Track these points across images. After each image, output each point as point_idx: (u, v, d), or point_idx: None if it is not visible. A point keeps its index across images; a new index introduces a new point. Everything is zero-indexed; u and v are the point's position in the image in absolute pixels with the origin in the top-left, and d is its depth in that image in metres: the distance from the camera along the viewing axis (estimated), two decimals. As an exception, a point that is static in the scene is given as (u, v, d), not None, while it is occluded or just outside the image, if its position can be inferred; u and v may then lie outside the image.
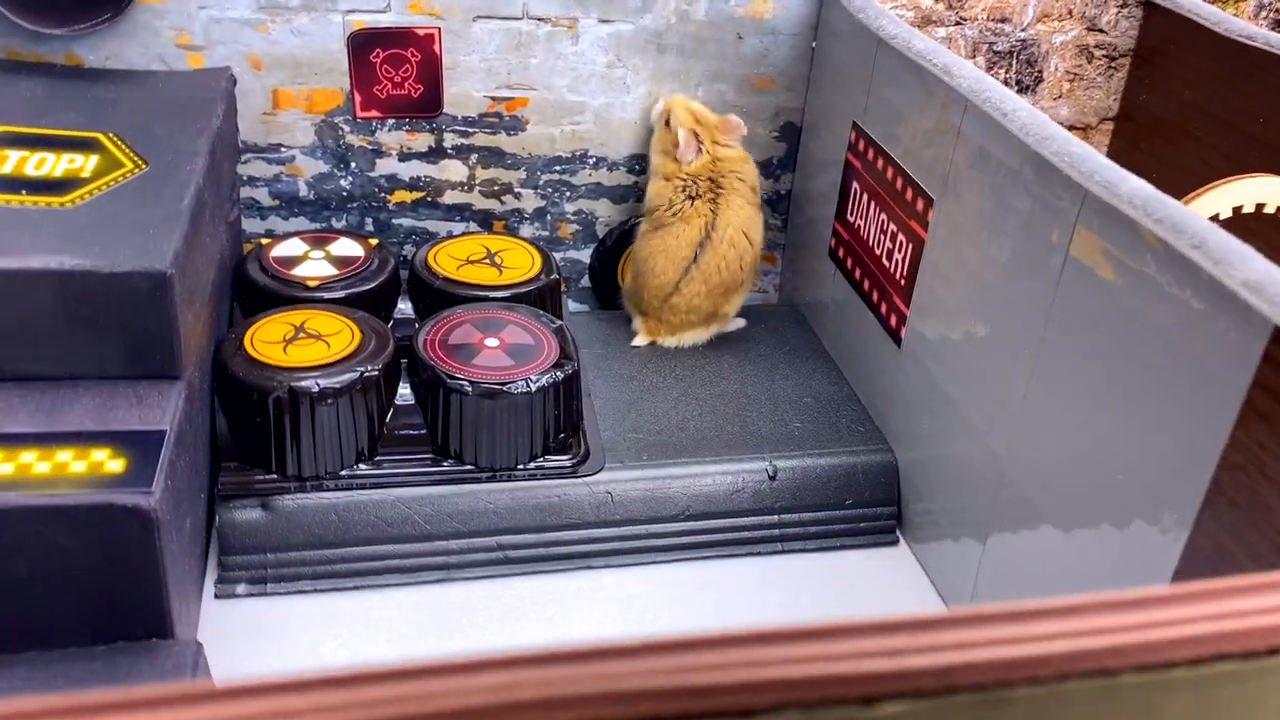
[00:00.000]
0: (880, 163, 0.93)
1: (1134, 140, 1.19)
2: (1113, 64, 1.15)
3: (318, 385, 0.81)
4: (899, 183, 0.90)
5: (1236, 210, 0.77)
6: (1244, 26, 1.02)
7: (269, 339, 0.86)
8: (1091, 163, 0.64)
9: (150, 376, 0.72)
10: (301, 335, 0.86)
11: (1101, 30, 1.13)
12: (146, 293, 0.68)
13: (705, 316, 1.03)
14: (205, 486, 0.82)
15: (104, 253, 0.68)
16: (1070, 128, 1.19)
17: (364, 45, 0.99)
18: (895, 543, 0.92)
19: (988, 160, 0.76)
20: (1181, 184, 1.18)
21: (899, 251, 0.90)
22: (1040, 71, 1.14)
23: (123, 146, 0.82)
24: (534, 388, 0.85)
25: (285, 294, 0.93)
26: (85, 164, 0.79)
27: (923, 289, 0.87)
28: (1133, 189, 0.61)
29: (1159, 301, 0.60)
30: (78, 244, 0.69)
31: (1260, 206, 0.77)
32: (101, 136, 0.83)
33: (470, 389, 0.84)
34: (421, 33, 0.99)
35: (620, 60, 1.05)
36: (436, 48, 1.00)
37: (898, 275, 0.90)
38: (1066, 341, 0.68)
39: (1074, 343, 0.67)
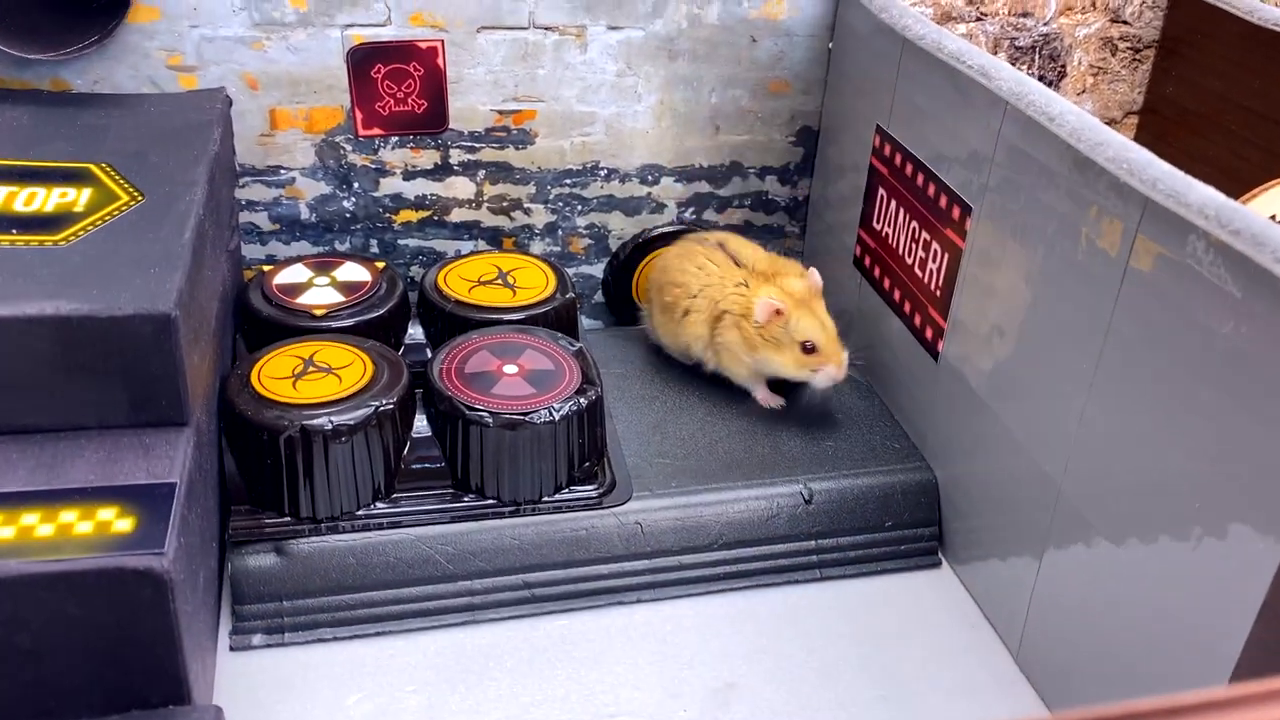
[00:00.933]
0: (909, 168, 0.89)
1: (1160, 134, 1.15)
2: (1137, 56, 1.12)
3: (331, 423, 0.77)
4: (931, 189, 0.86)
5: (1293, 211, 0.73)
6: (1276, 13, 0.98)
7: (277, 374, 0.81)
8: (1153, 169, 0.61)
9: (156, 424, 0.67)
10: (311, 369, 0.82)
11: (1125, 22, 1.09)
12: (150, 336, 0.64)
13: None
14: (216, 534, 0.78)
15: (103, 295, 0.64)
16: (1094, 123, 1.15)
17: (364, 61, 0.95)
18: (938, 564, 0.89)
19: (1033, 166, 0.72)
20: (1214, 179, 1.14)
21: (933, 261, 0.86)
22: (1064, 66, 1.10)
23: (117, 177, 0.78)
24: (557, 416, 0.81)
25: (291, 324, 0.89)
26: (78, 198, 0.75)
27: (961, 301, 0.83)
28: (1203, 198, 0.57)
29: (1235, 318, 0.56)
30: (74, 286, 0.65)
31: (1318, 206, 0.73)
32: (94, 167, 0.79)
33: (491, 420, 0.80)
34: (424, 46, 0.95)
35: (631, 68, 1.00)
36: (440, 61, 0.96)
37: (933, 286, 0.87)
38: (1130, 358, 0.64)
39: (1139, 359, 0.64)
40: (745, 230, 1.12)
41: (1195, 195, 0.57)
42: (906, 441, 0.92)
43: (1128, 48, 1.11)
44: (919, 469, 0.89)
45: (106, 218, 0.73)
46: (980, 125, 0.78)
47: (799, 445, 0.91)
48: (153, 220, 0.73)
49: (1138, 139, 1.17)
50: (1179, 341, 0.60)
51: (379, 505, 0.81)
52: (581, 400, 0.83)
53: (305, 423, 0.77)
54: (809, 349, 0.87)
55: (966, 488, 0.85)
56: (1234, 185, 1.05)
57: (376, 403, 0.79)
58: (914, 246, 0.89)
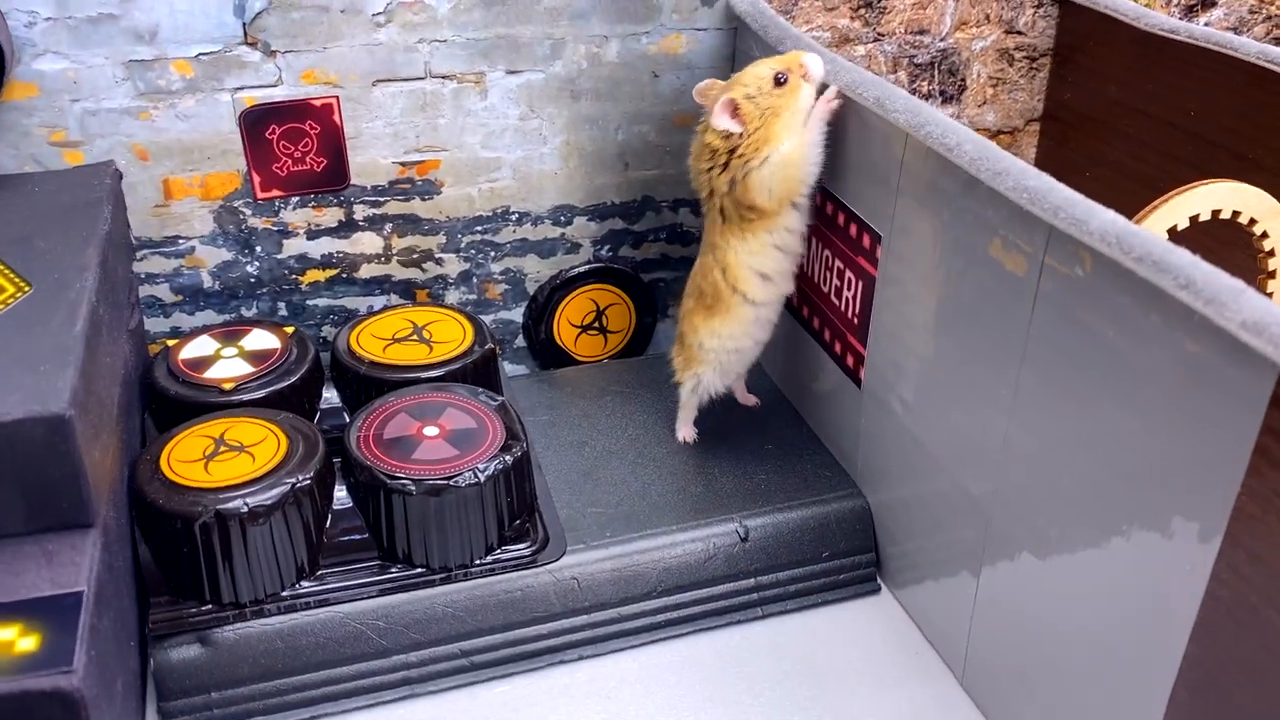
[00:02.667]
0: (819, 198, 0.88)
1: (1061, 140, 1.17)
2: (1034, 65, 1.13)
3: (246, 505, 0.74)
4: (841, 218, 0.86)
5: (1194, 219, 0.74)
6: (1163, 20, 1.00)
7: (187, 457, 0.78)
8: (1054, 197, 0.61)
9: (59, 527, 0.64)
10: (223, 449, 0.79)
11: (1019, 32, 1.11)
12: (44, 439, 0.61)
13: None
14: (135, 631, 0.74)
15: (-10, 400, 0.61)
16: (997, 132, 1.16)
17: (258, 123, 0.92)
18: (877, 590, 0.88)
19: (939, 194, 0.73)
20: (1114, 182, 1.17)
21: (848, 289, 0.86)
22: (963, 79, 1.11)
23: (2, 268, 0.74)
24: (483, 478, 0.79)
25: (200, 401, 0.86)
26: (-41, 293, 0.71)
27: (879, 328, 0.83)
28: (1104, 225, 0.57)
29: (1150, 344, 0.56)
30: (-42, 393, 0.61)
31: (1216, 213, 0.75)
32: (-25, 258, 0.75)
33: (414, 488, 0.78)
34: (319, 103, 0.93)
35: (533, 110, 0.99)
36: (336, 117, 0.94)
37: (849, 314, 0.87)
38: (1049, 385, 0.65)
39: (1057, 385, 0.64)
40: (662, 263, 1.11)
41: (1097, 223, 0.57)
42: (838, 469, 0.92)
43: (1024, 57, 1.13)
44: (851, 496, 0.89)
45: (-9, 313, 0.69)
46: (883, 155, 0.79)
47: (732, 481, 0.90)
48: (41, 312, 0.69)
49: (1040, 145, 1.19)
50: (1089, 360, 0.61)
51: (304, 584, 0.78)
52: (507, 458, 0.81)
53: (220, 507, 0.74)
54: (780, 80, 0.80)
55: (898, 513, 0.85)
56: (1134, 186, 1.07)
57: (293, 479, 0.77)
58: (829, 275, 0.89)
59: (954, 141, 0.69)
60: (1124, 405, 0.59)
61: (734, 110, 0.80)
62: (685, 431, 0.94)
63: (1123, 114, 1.07)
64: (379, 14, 0.91)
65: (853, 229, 0.84)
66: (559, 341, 1.11)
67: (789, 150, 0.80)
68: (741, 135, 0.80)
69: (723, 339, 0.88)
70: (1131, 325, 0.57)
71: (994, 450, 0.71)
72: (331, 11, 0.89)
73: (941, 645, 0.82)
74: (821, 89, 0.81)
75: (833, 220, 0.87)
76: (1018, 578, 0.71)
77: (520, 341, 1.11)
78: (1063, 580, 0.66)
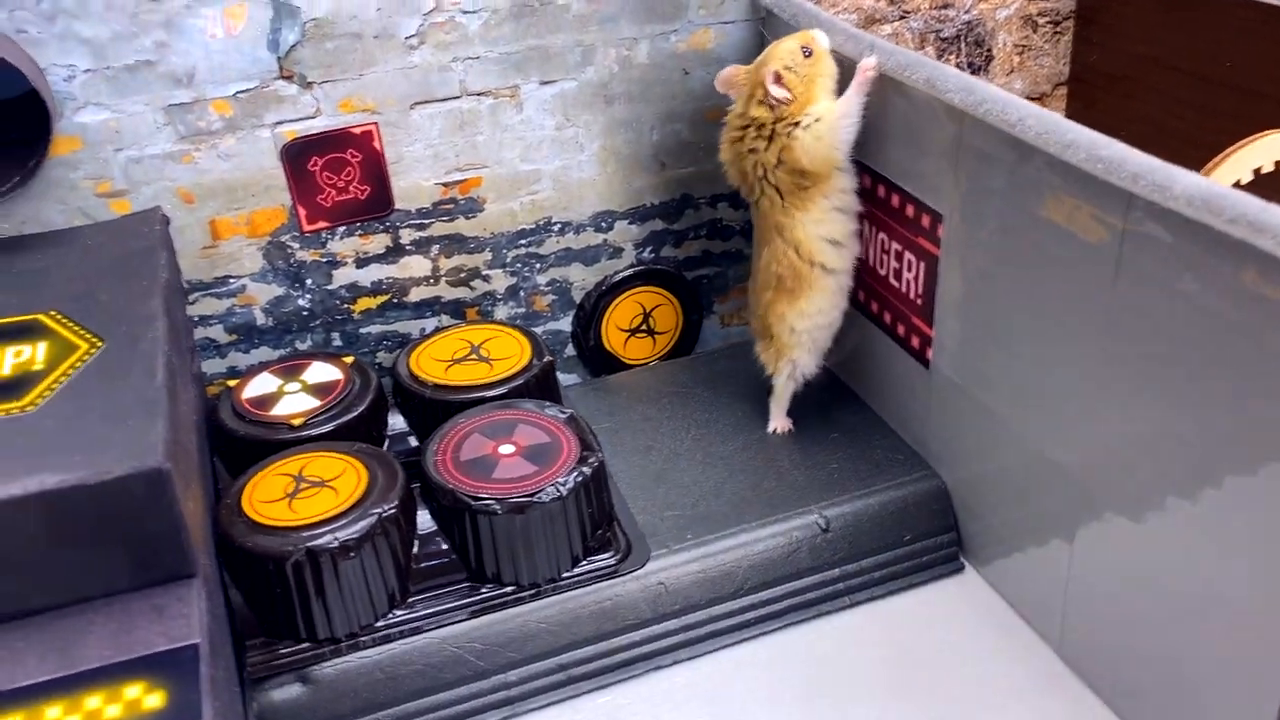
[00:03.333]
0: (868, 180, 0.88)
1: (1090, 102, 1.16)
2: (1057, 29, 1.13)
3: (336, 540, 0.74)
4: (895, 200, 0.85)
5: (1257, 172, 0.74)
6: (1191, -27, 1.00)
7: (269, 497, 0.78)
8: (1131, 164, 0.61)
9: (163, 580, 0.64)
10: (304, 485, 0.79)
11: (1042, -3, 1.11)
12: (144, 494, 0.61)
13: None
14: (236, 676, 0.74)
15: (87, 460, 0.61)
16: (1026, 99, 1.16)
17: (300, 156, 0.92)
18: (961, 569, 0.88)
19: (1002, 169, 0.72)
20: (1151, 138, 1.16)
21: (909, 271, 0.86)
22: (990, 50, 1.11)
23: (70, 324, 0.74)
24: (565, 491, 0.79)
25: (270, 439, 0.86)
26: (34, 354, 0.71)
27: (946, 307, 0.83)
28: (1189, 189, 0.57)
29: (1244, 301, 0.56)
30: (53, 455, 0.61)
31: (1278, 164, 0.74)
32: (43, 317, 0.75)
33: (498, 507, 0.78)
34: (358, 131, 0.93)
35: (569, 119, 0.99)
36: (377, 144, 0.94)
37: (912, 295, 0.86)
38: (1138, 349, 0.64)
39: (1147, 349, 0.64)
40: (704, 260, 1.11)
41: (1181, 187, 0.57)
42: (909, 451, 0.92)
43: (1047, 22, 1.12)
44: (928, 477, 0.89)
45: (69, 371, 0.69)
46: (938, 134, 0.78)
47: (804, 473, 0.90)
48: (119, 366, 0.69)
49: (1068, 109, 1.19)
50: (1180, 322, 0.61)
51: (397, 613, 0.78)
52: (585, 469, 0.81)
53: (310, 545, 0.74)
54: (807, 52, 0.84)
55: (978, 489, 0.85)
56: (1174, 142, 1.06)
57: (379, 510, 0.76)
58: (885, 258, 0.89)
59: (1015, 117, 0.69)
60: (1219, 362, 0.59)
61: (780, 81, 0.83)
62: (780, 423, 0.95)
63: (1154, 71, 1.07)
64: (411, 36, 0.90)
65: (909, 209, 0.84)
66: (608, 347, 1.11)
67: (831, 107, 0.84)
68: (790, 102, 0.83)
69: (812, 317, 0.89)
70: (1223, 283, 0.57)
71: (1081, 418, 0.70)
72: (365, 38, 0.89)
73: (1035, 618, 0.82)
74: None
75: (886, 202, 0.87)
76: (1115, 543, 0.70)
77: (570, 350, 1.11)
78: (1165, 542, 0.66)
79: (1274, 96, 0.95)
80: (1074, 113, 1.18)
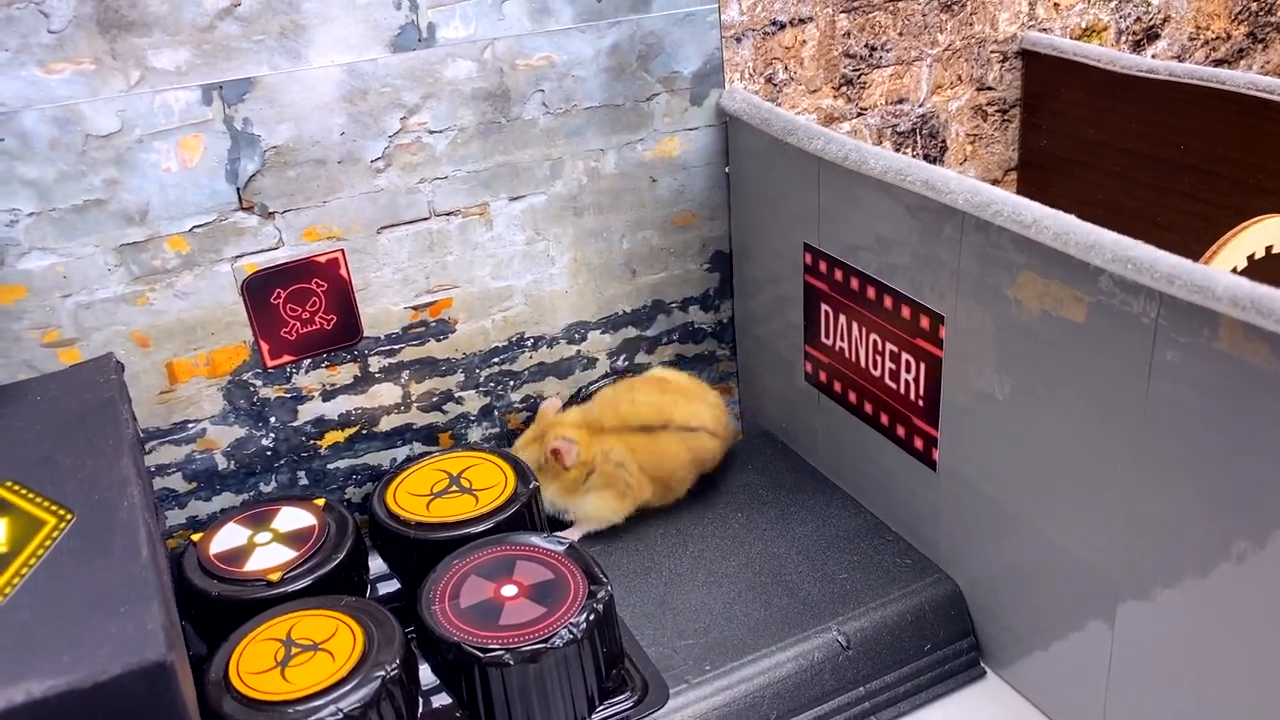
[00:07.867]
0: (855, 282, 0.87)
1: (1041, 185, 1.18)
2: (1005, 116, 1.15)
3: (340, 711, 0.68)
4: (889, 302, 0.84)
5: (1251, 258, 0.75)
6: (1136, 60, 1.02)
7: (259, 667, 0.72)
8: (1163, 265, 0.60)
9: (162, 782, 0.57)
10: (295, 650, 0.73)
11: (989, 87, 1.13)
12: (145, 692, 0.54)
13: None
14: None
15: (76, 659, 0.54)
16: (979, 187, 1.17)
17: (261, 289, 0.87)
18: (982, 675, 0.85)
19: (1012, 269, 0.71)
20: (1104, 219, 1.18)
21: (908, 372, 0.84)
22: (944, 140, 1.12)
23: (30, 495, 0.67)
24: (580, 633, 0.74)
25: (247, 598, 0.79)
26: (-5, 535, 0.64)
27: (952, 407, 0.81)
28: (1231, 290, 0.56)
29: (1274, 391, 0.55)
30: (37, 654, 0.54)
31: (1270, 249, 0.75)
32: (1, 491, 0.68)
33: (509, 658, 0.72)
34: (324, 259, 0.88)
35: (539, 233, 0.96)
36: (343, 271, 0.89)
37: (913, 397, 0.85)
38: (1176, 445, 0.63)
39: (1186, 445, 0.62)
40: (676, 364, 1.08)
41: (1222, 287, 0.57)
42: (917, 554, 0.89)
43: (996, 110, 1.14)
44: (941, 580, 0.86)
45: (39, 552, 0.62)
46: (935, 236, 0.77)
47: (814, 585, 0.87)
48: (97, 542, 0.63)
49: (1019, 192, 1.20)
50: (1212, 419, 0.60)
51: (408, 780, 0.72)
52: (596, 606, 0.76)
53: (311, 719, 0.67)
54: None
55: (995, 589, 0.83)
56: (1126, 220, 1.08)
57: (380, 673, 0.70)
58: (879, 359, 0.88)
59: (1029, 219, 0.68)
60: (1266, 455, 0.58)
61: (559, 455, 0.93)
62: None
63: (1104, 153, 1.09)
64: (378, 159, 0.87)
65: (905, 311, 0.82)
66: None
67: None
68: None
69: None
70: (1268, 380, 0.56)
71: (1113, 514, 0.69)
72: (328, 164, 0.85)
73: (1066, 716, 0.79)
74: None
75: (878, 304, 0.85)
76: (1154, 634, 0.68)
77: (546, 468, 1.06)
78: (1205, 626, 0.64)
79: (1227, 176, 0.97)
80: (1025, 195, 1.20)
